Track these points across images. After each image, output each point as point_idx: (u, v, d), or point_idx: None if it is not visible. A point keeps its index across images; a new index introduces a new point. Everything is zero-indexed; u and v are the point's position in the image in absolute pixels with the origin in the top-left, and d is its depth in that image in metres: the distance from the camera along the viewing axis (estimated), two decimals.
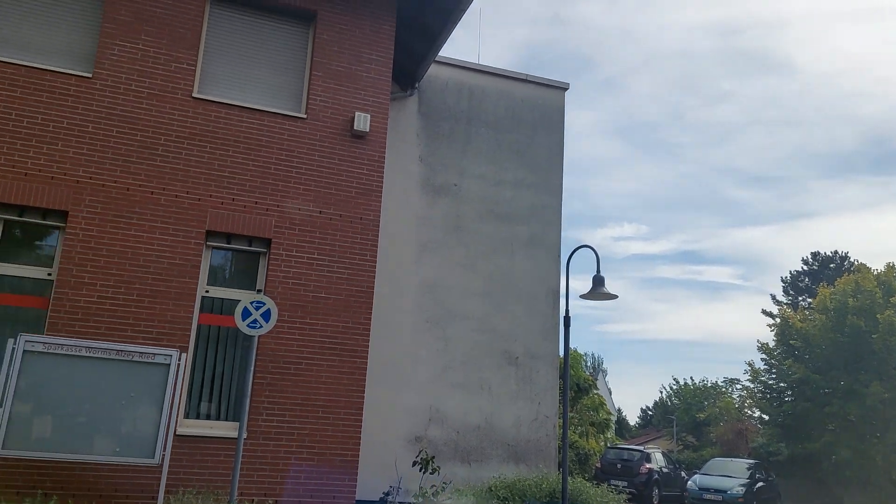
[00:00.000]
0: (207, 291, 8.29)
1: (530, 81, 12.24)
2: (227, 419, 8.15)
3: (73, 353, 6.63)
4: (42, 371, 6.51)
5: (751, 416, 36.60)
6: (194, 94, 8.51)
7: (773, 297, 41.33)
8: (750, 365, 30.62)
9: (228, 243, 8.45)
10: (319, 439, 8.11)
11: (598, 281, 8.99)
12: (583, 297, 8.99)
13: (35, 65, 7.96)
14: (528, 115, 12.09)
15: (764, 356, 29.65)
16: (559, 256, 11.62)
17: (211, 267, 8.40)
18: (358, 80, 9.22)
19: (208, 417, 8.11)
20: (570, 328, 9.03)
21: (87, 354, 6.67)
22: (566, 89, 12.50)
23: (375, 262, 8.86)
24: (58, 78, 8.01)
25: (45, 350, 6.54)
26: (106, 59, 8.22)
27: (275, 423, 8.01)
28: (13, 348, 6.47)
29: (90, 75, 8.14)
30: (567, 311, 9.02)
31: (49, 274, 7.75)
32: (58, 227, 7.87)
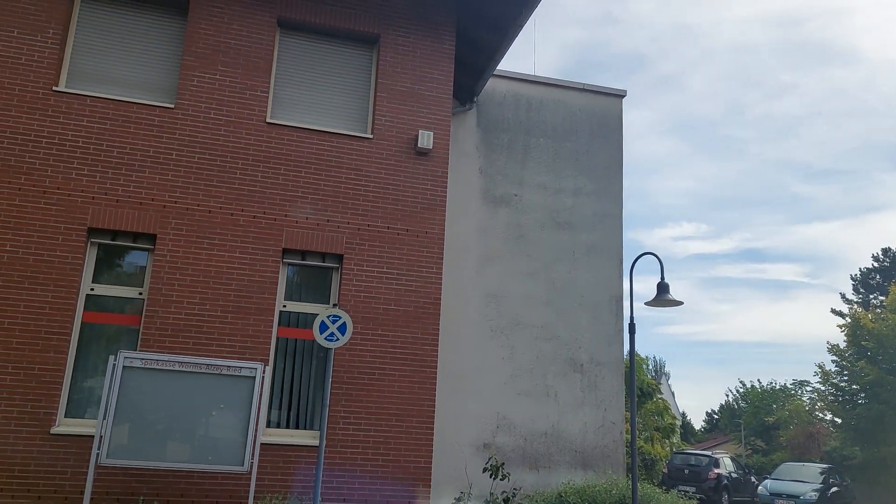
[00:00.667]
0: (285, 306, 8.72)
1: (587, 90, 12.36)
2: (304, 428, 8.55)
3: (167, 367, 7.12)
4: (139, 385, 7.02)
5: (822, 420, 35.48)
6: (268, 120, 8.98)
7: (843, 296, 39.95)
8: (820, 367, 29.77)
9: (303, 260, 8.88)
10: (394, 447, 8.43)
11: (663, 288, 9.06)
12: (648, 304, 9.07)
13: (123, 98, 8.56)
14: (586, 124, 12.21)
15: (835, 358, 28.77)
16: (621, 263, 11.68)
17: (287, 282, 8.84)
18: (421, 99, 9.54)
19: (288, 426, 8.52)
20: (635, 333, 9.11)
21: (180, 369, 7.15)
22: (623, 96, 12.57)
23: (441, 274, 9.15)
24: (143, 110, 8.59)
25: (143, 365, 7.05)
26: (186, 90, 8.76)
27: (351, 431, 8.37)
28: (113, 364, 6.99)
29: (173, 106, 8.69)
30: (632, 318, 9.11)
31: (140, 293, 8.31)
32: (147, 249, 8.43)
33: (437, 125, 9.54)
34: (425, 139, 9.29)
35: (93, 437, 7.48)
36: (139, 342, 8.04)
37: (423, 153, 9.38)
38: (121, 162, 8.38)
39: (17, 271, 7.81)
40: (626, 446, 11.05)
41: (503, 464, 9.22)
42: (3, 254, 7.81)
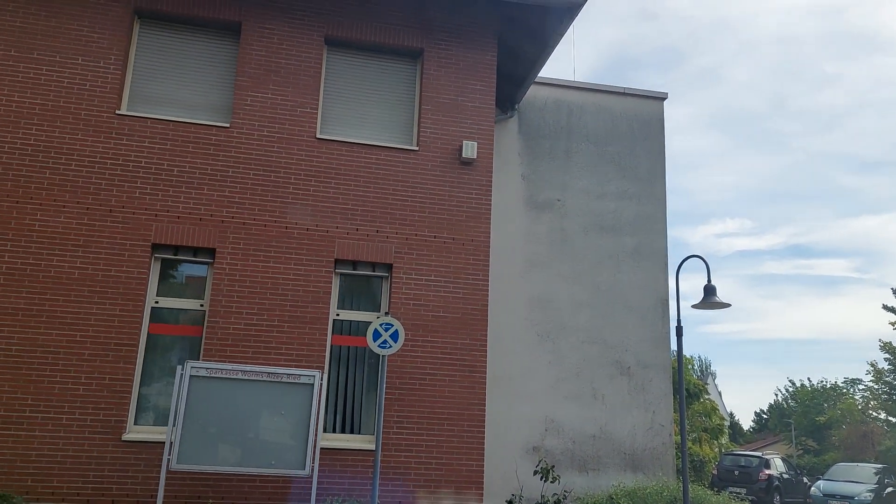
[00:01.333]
0: (338, 315, 9.02)
1: (628, 94, 12.43)
2: (359, 432, 8.83)
3: (231, 376, 7.47)
4: (205, 393, 7.38)
5: (876, 419, 34.57)
6: (318, 136, 9.31)
7: (895, 291, 38.81)
8: (873, 365, 29.06)
9: (354, 269, 9.17)
10: (446, 451, 8.65)
11: (710, 290, 9.09)
12: (695, 307, 9.11)
13: (181, 119, 8.97)
14: (627, 127, 12.28)
15: (888, 356, 28.05)
16: (666, 265, 11.72)
17: (339, 292, 9.14)
18: (464, 110, 9.76)
19: (343, 431, 8.81)
20: (682, 336, 9.16)
21: (243, 377, 7.49)
22: (664, 98, 12.60)
23: (488, 281, 9.35)
24: (200, 130, 8.99)
25: (208, 374, 7.41)
26: (241, 109, 9.14)
27: (404, 435, 8.62)
28: (181, 374, 7.36)
29: (228, 125, 9.08)
30: (679, 320, 9.16)
31: (201, 305, 8.70)
32: (207, 263, 8.82)
33: (480, 135, 9.74)
34: (469, 149, 9.50)
35: (161, 443, 7.89)
36: (202, 352, 8.42)
37: (467, 163, 9.59)
38: (181, 180, 8.79)
39: (87, 286, 8.26)
40: (675, 448, 11.09)
41: (553, 466, 9.37)
42: (74, 270, 8.27)
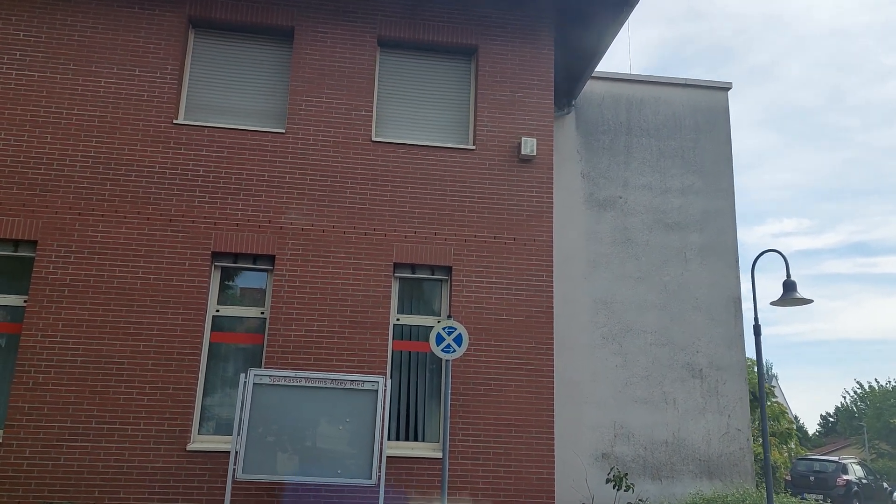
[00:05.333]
0: (398, 319, 8.81)
1: (689, 86, 11.94)
2: (423, 440, 8.58)
3: (294, 383, 7.31)
4: (269, 401, 7.24)
5: None
6: (373, 139, 9.14)
7: None
8: None
9: (413, 273, 8.95)
10: (514, 458, 8.33)
11: (790, 286, 8.56)
12: (774, 304, 8.59)
13: (237, 127, 8.92)
14: (690, 120, 11.79)
15: None
16: (737, 262, 11.17)
17: (398, 296, 8.93)
18: (521, 107, 9.47)
19: (406, 439, 8.57)
20: (750, 335, 8.64)
21: (306, 384, 7.33)
22: (728, 89, 12.07)
23: (552, 282, 9.01)
24: (257, 136, 8.92)
25: (271, 382, 7.27)
26: (296, 114, 9.05)
27: (470, 443, 8.33)
28: (244, 382, 7.24)
29: (283, 131, 8.99)
30: (756, 318, 8.65)
31: (262, 313, 8.59)
32: (266, 270, 8.72)
33: (539, 131, 9.43)
34: (528, 146, 9.20)
35: (225, 452, 7.81)
36: (263, 360, 8.31)
37: (526, 160, 9.29)
38: (238, 188, 8.73)
39: (149, 296, 8.25)
40: (754, 453, 10.51)
41: (626, 474, 8.95)
42: (136, 281, 8.27)
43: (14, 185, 8.31)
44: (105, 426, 7.80)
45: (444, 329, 7.67)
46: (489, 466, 8.28)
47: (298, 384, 7.32)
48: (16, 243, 8.28)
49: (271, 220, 8.70)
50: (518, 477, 8.28)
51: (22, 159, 8.39)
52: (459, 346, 7.64)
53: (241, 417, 7.14)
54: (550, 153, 9.42)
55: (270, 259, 8.66)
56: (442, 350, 7.63)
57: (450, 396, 7.80)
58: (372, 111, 9.24)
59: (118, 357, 8.01)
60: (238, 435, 7.11)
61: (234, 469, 7.03)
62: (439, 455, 8.21)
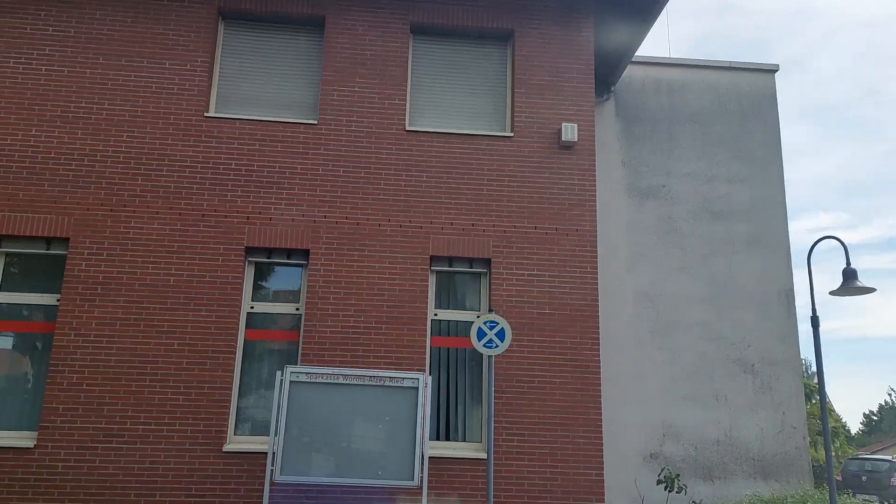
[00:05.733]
0: (436, 314, 8.50)
1: (735, 68, 11.45)
2: (464, 440, 8.24)
3: (331, 381, 7.04)
4: (306, 399, 6.97)
5: None
6: (407, 128, 8.84)
7: None
8: None
9: (451, 266, 8.63)
10: (561, 458, 7.95)
11: (850, 274, 8.07)
12: (833, 293, 8.10)
13: (269, 119, 8.69)
14: (736, 104, 11.29)
15: None
16: (789, 252, 10.65)
17: (436, 290, 8.61)
18: (560, 92, 9.10)
19: (447, 439, 8.24)
20: (818, 328, 8.14)
21: (344, 382, 7.05)
22: (776, 71, 11.54)
23: (597, 273, 8.62)
24: (289, 128, 8.68)
25: (308, 380, 7.00)
26: (328, 105, 8.79)
27: (515, 442, 7.98)
28: (281, 380, 6.99)
29: (316, 122, 8.73)
30: (814, 310, 8.15)
31: (297, 309, 8.35)
32: (301, 265, 8.48)
33: (580, 117, 9.05)
34: (569, 132, 8.83)
35: (262, 453, 7.56)
36: (299, 357, 8.05)
37: (567, 147, 8.91)
38: (271, 181, 8.49)
39: (182, 293, 8.04)
40: (813, 452, 9.98)
41: (678, 475, 8.53)
42: (169, 277, 8.07)
43: (46, 182, 8.17)
44: (140, 427, 7.60)
45: (485, 324, 7.34)
46: (535, 467, 7.92)
47: (336, 381, 7.05)
48: (48, 241, 8.15)
49: (305, 214, 8.46)
50: (566, 478, 7.91)
51: (53, 155, 8.26)
52: (502, 341, 7.30)
53: (277, 417, 6.88)
54: (592, 139, 9.03)
55: (305, 253, 8.41)
56: (484, 345, 7.30)
57: (493, 394, 7.45)
58: (405, 100, 8.94)
59: (152, 356, 7.82)
60: (275, 435, 6.85)
61: (271, 471, 6.77)
62: (482, 455, 7.88)
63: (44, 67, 8.48)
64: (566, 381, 8.21)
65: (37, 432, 7.52)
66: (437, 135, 8.86)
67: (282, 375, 7.00)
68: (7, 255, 8.13)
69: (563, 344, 8.32)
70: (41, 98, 8.39)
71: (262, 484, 7.46)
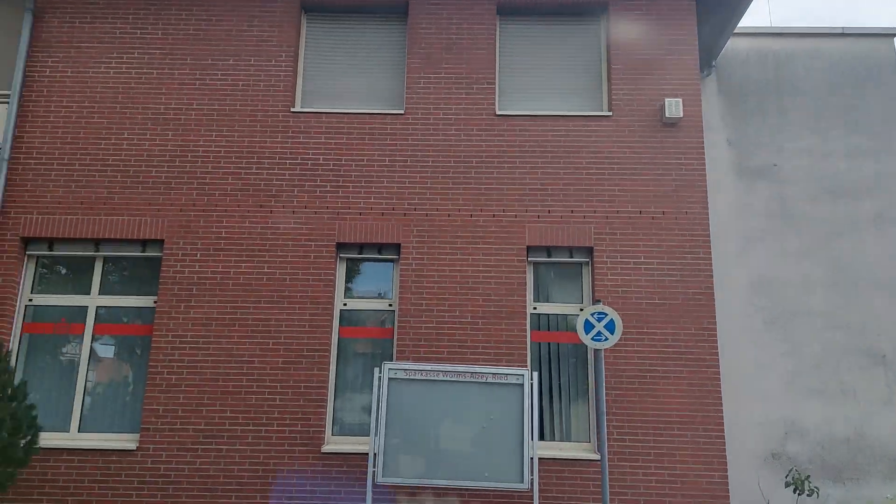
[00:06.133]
0: (535, 308, 8.03)
1: (847, 34, 10.46)
2: (569, 440, 7.74)
3: (431, 377, 6.69)
4: (405, 397, 6.64)
5: None
6: (497, 112, 8.42)
7: None
8: None
9: (549, 257, 8.15)
10: (679, 459, 7.33)
11: None
12: None
13: (355, 111, 8.45)
14: (850, 74, 10.31)
15: None
16: None
17: (535, 282, 8.15)
18: (661, 65, 8.48)
19: (553, 439, 7.76)
20: None
21: (444, 378, 6.69)
22: (895, 35, 10.47)
23: (710, 259, 7.95)
24: (375, 119, 8.42)
25: (406, 377, 6.67)
26: (414, 93, 8.47)
27: (627, 442, 7.41)
28: (378, 377, 6.68)
29: (402, 112, 8.43)
30: None
31: (390, 305, 8.05)
32: (392, 260, 8.18)
33: (684, 91, 8.41)
34: (673, 108, 8.20)
35: (360, 454, 7.31)
36: (395, 354, 7.75)
37: (671, 124, 8.28)
38: (360, 174, 8.24)
39: (275, 292, 7.88)
40: None
41: (808, 476, 7.75)
42: (262, 276, 7.93)
43: (139, 185, 8.18)
44: (238, 428, 7.47)
45: (592, 315, 6.82)
46: (650, 469, 7.33)
47: (435, 378, 6.68)
48: (143, 243, 8.15)
49: (395, 207, 8.16)
50: (685, 480, 7.28)
51: (145, 157, 8.27)
52: (612, 333, 6.77)
53: (377, 415, 6.57)
54: (699, 113, 8.37)
55: (396, 248, 8.11)
56: (592, 339, 6.78)
57: (604, 390, 6.92)
58: (494, 83, 8.52)
59: (248, 356, 7.68)
60: (376, 435, 6.54)
61: (373, 472, 6.47)
62: (591, 456, 7.36)
63: (133, 71, 8.52)
64: (681, 376, 7.58)
65: (139, 434, 7.50)
66: (529, 118, 8.41)
67: (379, 373, 6.69)
68: (105, 259, 8.18)
69: (675, 336, 7.70)
70: (132, 101, 8.43)
71: (363, 486, 7.19)
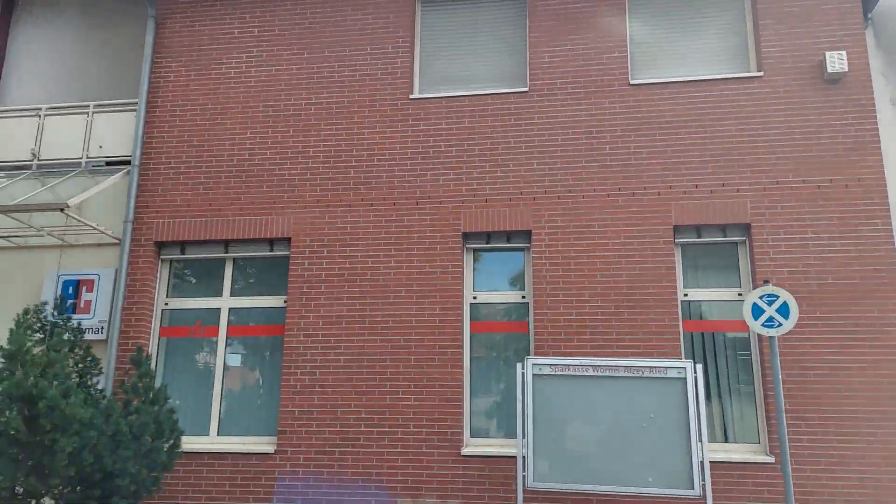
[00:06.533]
0: (686, 294, 7.26)
1: None
2: (735, 440, 6.90)
3: (579, 373, 6.10)
4: (553, 395, 6.09)
5: None
6: (631, 82, 7.72)
7: None
8: None
9: (699, 237, 7.35)
10: (871, 462, 6.37)
11: None
12: None
13: (476, 92, 7.99)
14: None
15: None
16: None
17: (683, 266, 7.38)
18: (817, 15, 7.51)
19: (716, 440, 6.91)
20: None
21: (594, 374, 6.08)
22: None
23: (892, 231, 6.90)
24: (498, 100, 7.92)
25: (552, 372, 6.12)
26: (538, 69, 7.91)
27: (804, 443, 6.52)
28: (522, 373, 6.17)
29: (526, 89, 7.89)
30: None
31: (523, 297, 7.53)
32: (523, 248, 7.65)
33: (847, 42, 7.41)
34: (836, 62, 7.21)
35: (502, 457, 6.84)
36: (532, 349, 7.22)
37: (834, 80, 7.30)
38: (483, 158, 7.77)
39: (403, 286, 7.54)
40: None
41: None
42: (389, 270, 7.61)
43: (264, 184, 8.08)
44: (374, 430, 7.17)
45: (762, 298, 6.00)
46: (835, 473, 6.41)
47: (585, 373, 6.09)
48: (271, 242, 8.03)
49: (523, 192, 7.62)
50: (879, 486, 6.31)
51: (268, 156, 8.15)
52: (787, 318, 5.93)
53: (524, 415, 6.06)
54: (866, 67, 7.35)
55: (526, 235, 7.58)
56: (762, 325, 5.97)
57: (781, 384, 6.08)
58: (626, 51, 7.82)
59: (379, 354, 7.37)
60: (523, 437, 6.03)
61: (523, 477, 5.96)
62: (763, 459, 6.53)
63: (253, 69, 8.44)
64: (865, 367, 6.60)
65: (276, 437, 7.35)
66: (667, 85, 7.65)
67: (522, 368, 6.17)
68: (234, 260, 8.13)
69: (856, 320, 6.72)
70: (253, 99, 8.34)
71: (508, 491, 6.70)
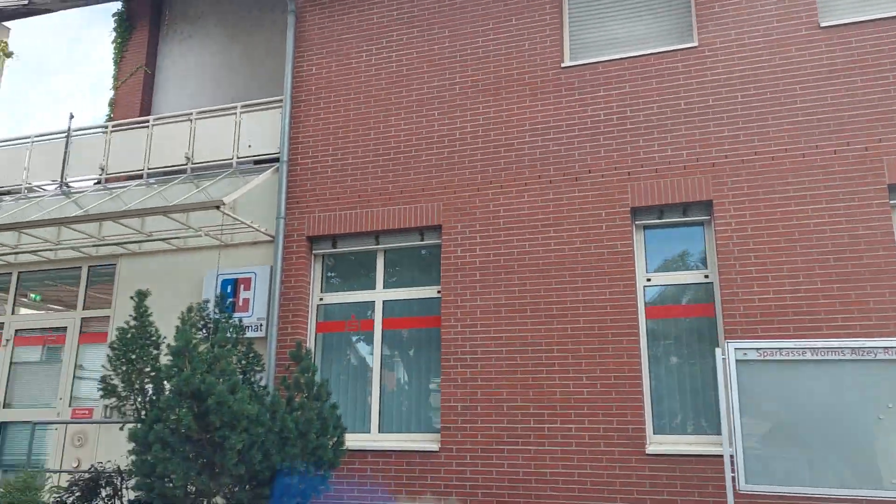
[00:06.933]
0: None
1: None
2: None
3: (793, 357, 5.18)
4: (761, 384, 5.21)
5: None
6: (821, 24, 6.68)
7: None
8: None
9: None
10: None
11: None
12: None
13: (636, 54, 7.23)
14: None
15: None
16: None
17: None
18: None
19: None
20: None
21: (813, 357, 5.14)
22: None
23: None
24: (662, 59, 7.12)
25: (761, 357, 5.24)
26: (708, 20, 7.04)
27: None
28: (723, 359, 5.33)
29: (696, 44, 7.04)
30: None
31: (706, 276, 6.66)
32: (702, 222, 6.79)
33: None
34: None
35: (696, 456, 6.04)
36: (722, 334, 6.33)
37: None
38: (650, 125, 6.99)
39: (567, 270, 6.90)
40: None
41: None
42: (550, 254, 6.99)
43: (411, 171, 7.72)
44: (544, 425, 6.56)
45: None
46: None
47: (801, 357, 5.16)
48: (421, 231, 7.65)
49: (699, 158, 6.77)
50: None
51: (414, 142, 7.79)
52: None
53: (729, 408, 5.22)
54: None
55: (706, 206, 6.71)
56: None
57: None
58: None
59: (545, 343, 6.76)
60: (731, 433, 5.19)
61: (732, 478, 5.12)
62: None
63: (394, 54, 8.12)
64: None
65: (439, 434, 6.92)
66: (864, 24, 6.54)
67: (723, 354, 5.34)
68: (385, 251, 7.83)
69: None
70: (396, 85, 8.02)
71: (705, 494, 5.89)
